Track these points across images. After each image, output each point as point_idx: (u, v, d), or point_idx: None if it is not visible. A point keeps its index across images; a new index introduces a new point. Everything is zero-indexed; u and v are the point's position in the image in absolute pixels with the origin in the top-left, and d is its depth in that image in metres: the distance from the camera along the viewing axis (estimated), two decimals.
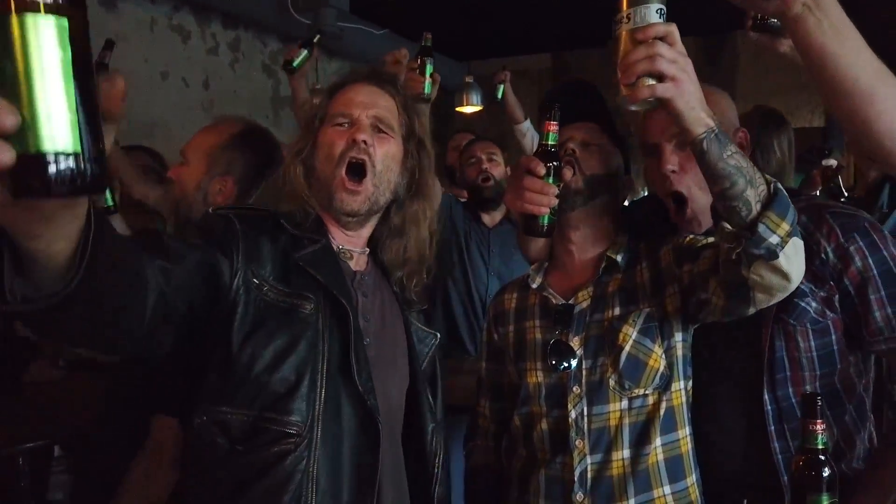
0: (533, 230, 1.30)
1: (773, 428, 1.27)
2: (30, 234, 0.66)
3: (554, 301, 1.41)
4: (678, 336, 1.32)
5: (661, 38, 1.01)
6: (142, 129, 3.49)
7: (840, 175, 3.03)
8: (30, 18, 0.54)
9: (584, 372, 1.32)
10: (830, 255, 1.24)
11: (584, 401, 1.31)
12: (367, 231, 1.34)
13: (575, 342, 1.35)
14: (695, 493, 1.30)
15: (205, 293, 1.07)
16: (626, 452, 1.28)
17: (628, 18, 1.03)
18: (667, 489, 1.27)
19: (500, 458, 1.47)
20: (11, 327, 2.05)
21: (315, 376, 1.13)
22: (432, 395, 1.35)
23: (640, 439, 1.28)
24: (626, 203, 1.57)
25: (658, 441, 1.28)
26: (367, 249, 1.35)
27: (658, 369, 1.29)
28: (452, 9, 4.66)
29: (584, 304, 1.37)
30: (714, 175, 1.07)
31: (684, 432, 1.31)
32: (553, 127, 1.28)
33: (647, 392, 1.29)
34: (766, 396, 1.27)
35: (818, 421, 1.00)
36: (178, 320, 0.99)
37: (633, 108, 1.06)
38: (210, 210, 1.26)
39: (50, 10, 0.54)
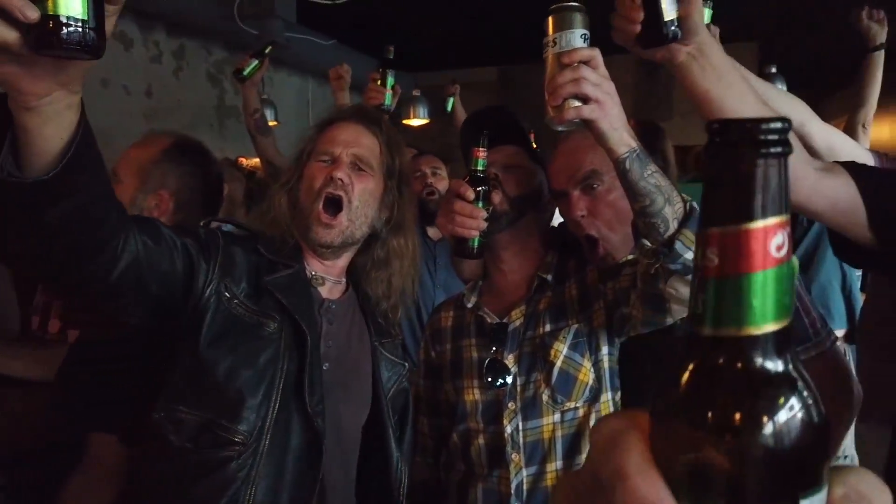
0: (464, 252, 1.36)
1: None
2: (32, 92, 0.78)
3: (489, 320, 1.47)
4: (605, 349, 1.39)
5: (586, 62, 1.07)
6: None
7: None
8: None
9: (518, 388, 1.38)
10: None
11: (519, 416, 1.37)
12: (343, 261, 1.40)
13: (510, 360, 1.41)
14: None
15: (178, 286, 1.14)
16: (560, 463, 1.35)
17: (555, 42, 1.09)
18: None
19: (439, 473, 1.52)
20: None
21: (270, 391, 1.19)
22: (400, 425, 1.41)
23: (573, 450, 1.35)
24: (554, 223, 1.64)
25: None
26: (344, 279, 1.42)
27: (587, 383, 1.36)
28: (401, 21, 4.71)
29: (518, 323, 1.44)
30: (635, 193, 1.14)
31: None
32: (482, 153, 1.34)
33: (577, 405, 1.36)
34: None
35: None
36: (148, 299, 1.09)
37: (560, 128, 1.12)
38: (202, 222, 1.32)
39: None
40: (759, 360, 0.27)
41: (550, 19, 1.10)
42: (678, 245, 1.12)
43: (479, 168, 1.35)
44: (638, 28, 1.07)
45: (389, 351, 1.43)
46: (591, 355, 1.38)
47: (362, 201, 1.34)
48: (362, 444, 1.35)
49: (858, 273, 2.57)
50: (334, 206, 1.32)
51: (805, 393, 0.28)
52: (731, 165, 0.27)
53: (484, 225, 1.34)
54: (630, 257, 1.35)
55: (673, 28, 1.06)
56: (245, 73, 2.59)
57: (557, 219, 1.57)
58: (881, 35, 2.16)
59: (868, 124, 2.20)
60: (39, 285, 1.79)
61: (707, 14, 1.63)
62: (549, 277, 1.45)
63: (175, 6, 3.99)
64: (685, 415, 0.28)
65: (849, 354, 2.27)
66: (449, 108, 3.95)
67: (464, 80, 4.54)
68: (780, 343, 0.28)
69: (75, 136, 0.84)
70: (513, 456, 1.36)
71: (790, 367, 0.28)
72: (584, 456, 1.34)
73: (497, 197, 1.41)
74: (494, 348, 1.43)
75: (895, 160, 1.87)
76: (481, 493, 1.38)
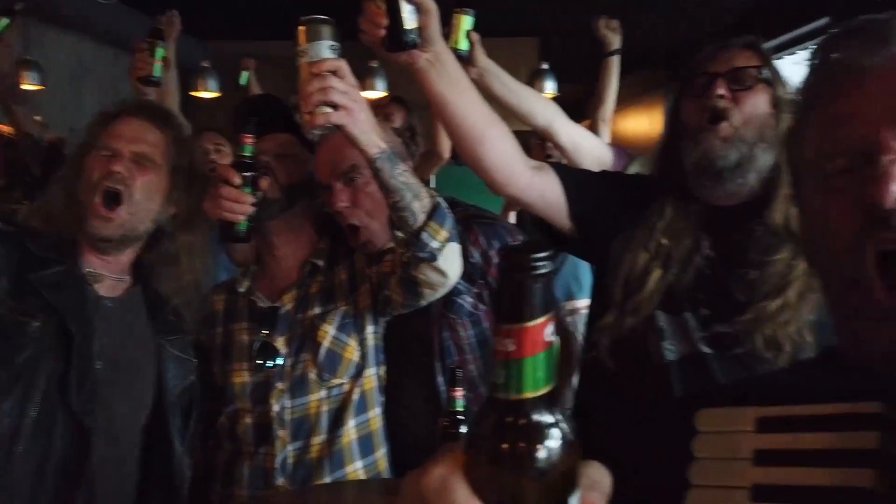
0: (230, 236, 1.40)
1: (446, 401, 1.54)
2: None
3: (261, 304, 1.53)
4: (370, 328, 1.51)
5: (333, 72, 1.16)
6: None
7: None
8: None
9: (287, 369, 1.46)
10: (477, 257, 1.54)
11: (287, 395, 1.45)
12: (126, 257, 1.38)
13: (280, 342, 1.48)
14: (384, 463, 1.52)
15: None
16: (324, 437, 1.45)
17: (305, 52, 1.17)
18: (358, 464, 1.47)
19: (206, 454, 1.54)
20: None
21: (29, 392, 1.17)
22: (185, 420, 1.41)
23: (336, 423, 1.46)
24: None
25: (352, 423, 1.47)
26: (128, 276, 1.39)
27: (353, 360, 1.48)
28: None
29: (290, 307, 1.51)
30: (387, 189, 1.27)
31: (374, 412, 1.52)
32: (249, 139, 1.39)
33: (343, 381, 1.47)
34: (438, 378, 1.54)
35: (458, 389, 1.27)
36: None
37: (314, 132, 1.21)
38: None
39: None
40: (536, 416, 0.39)
41: (301, 30, 1.17)
42: (425, 235, 1.27)
43: (247, 154, 1.39)
44: (383, 33, 1.18)
45: (178, 348, 1.43)
46: (357, 334, 1.49)
47: (144, 195, 1.34)
48: (145, 441, 1.36)
49: None
50: (113, 199, 1.31)
51: (567, 430, 0.39)
52: (514, 283, 0.38)
53: (251, 210, 1.38)
54: (391, 245, 1.48)
55: (412, 36, 1.18)
56: None
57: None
58: (615, 41, 2.50)
59: (608, 119, 2.54)
60: None
61: (469, 21, 1.79)
62: (321, 263, 1.54)
63: None
64: (491, 456, 0.39)
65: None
66: (243, 83, 3.85)
67: (262, 53, 4.43)
68: (550, 400, 0.40)
69: None
70: (279, 433, 1.44)
71: (557, 415, 0.40)
72: (345, 427, 1.46)
73: (265, 183, 1.46)
74: (265, 332, 1.49)
75: (627, 153, 2.20)
76: (247, 471, 1.45)
